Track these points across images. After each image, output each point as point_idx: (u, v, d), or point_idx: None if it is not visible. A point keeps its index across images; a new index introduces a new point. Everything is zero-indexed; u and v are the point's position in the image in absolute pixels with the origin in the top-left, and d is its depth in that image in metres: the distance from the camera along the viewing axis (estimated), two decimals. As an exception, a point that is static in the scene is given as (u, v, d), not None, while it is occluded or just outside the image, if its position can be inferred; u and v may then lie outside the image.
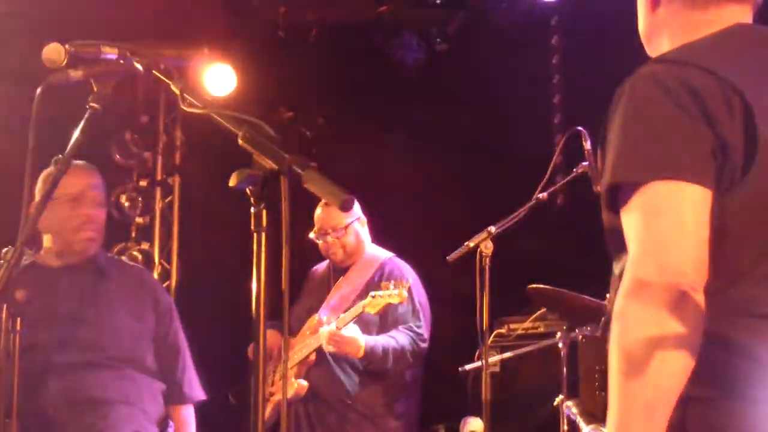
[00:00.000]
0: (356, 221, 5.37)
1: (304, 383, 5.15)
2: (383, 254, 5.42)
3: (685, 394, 1.96)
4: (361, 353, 5.01)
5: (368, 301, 4.99)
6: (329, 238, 5.32)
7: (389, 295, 4.96)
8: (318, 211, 5.33)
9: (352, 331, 5.02)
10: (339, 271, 5.43)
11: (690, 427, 1.99)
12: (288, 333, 5.39)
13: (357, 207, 5.39)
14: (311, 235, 5.40)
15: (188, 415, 4.30)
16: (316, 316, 5.25)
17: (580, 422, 4.50)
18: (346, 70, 7.62)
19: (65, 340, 3.89)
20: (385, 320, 5.20)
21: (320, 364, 5.18)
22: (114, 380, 3.95)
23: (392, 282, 5.01)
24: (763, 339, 1.98)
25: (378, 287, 5.08)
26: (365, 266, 5.38)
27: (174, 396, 4.24)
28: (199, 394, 4.32)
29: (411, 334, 5.12)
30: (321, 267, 5.64)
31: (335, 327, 4.99)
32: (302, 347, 5.18)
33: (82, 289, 4.05)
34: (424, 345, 5.20)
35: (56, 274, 4.04)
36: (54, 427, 3.78)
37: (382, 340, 5.06)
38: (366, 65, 7.67)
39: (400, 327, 5.14)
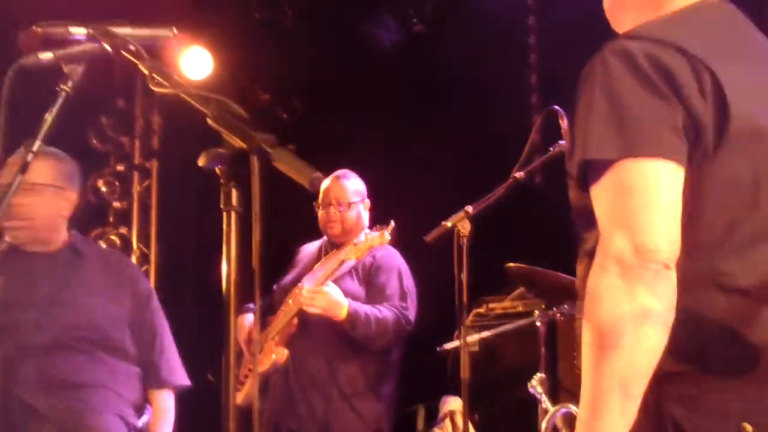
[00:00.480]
0: (361, 202, 5.38)
1: (284, 351, 5.12)
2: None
3: (659, 369, 1.97)
4: (343, 314, 4.95)
5: (349, 248, 4.98)
6: (332, 209, 5.30)
7: (372, 237, 4.96)
8: (327, 181, 5.31)
9: (332, 289, 5.00)
10: (331, 248, 5.41)
11: (664, 403, 2.00)
12: (274, 309, 5.39)
13: (364, 189, 5.44)
14: (315, 203, 5.39)
15: (167, 400, 4.27)
16: (299, 286, 5.23)
17: (546, 401, 4.50)
18: (323, 51, 7.59)
19: (40, 323, 3.87)
20: (373, 299, 5.17)
21: (304, 334, 5.15)
22: (87, 363, 3.92)
23: (375, 227, 5.01)
24: (732, 313, 1.99)
25: (366, 269, 5.09)
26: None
27: (152, 380, 4.22)
28: (180, 379, 4.29)
29: (397, 311, 5.11)
30: (312, 245, 5.62)
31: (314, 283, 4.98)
32: (283, 315, 5.16)
33: (57, 272, 4.02)
34: (409, 327, 5.19)
35: (32, 257, 4.01)
36: (30, 410, 3.76)
37: (365, 307, 5.04)
38: (342, 46, 7.65)
39: (386, 304, 5.13)
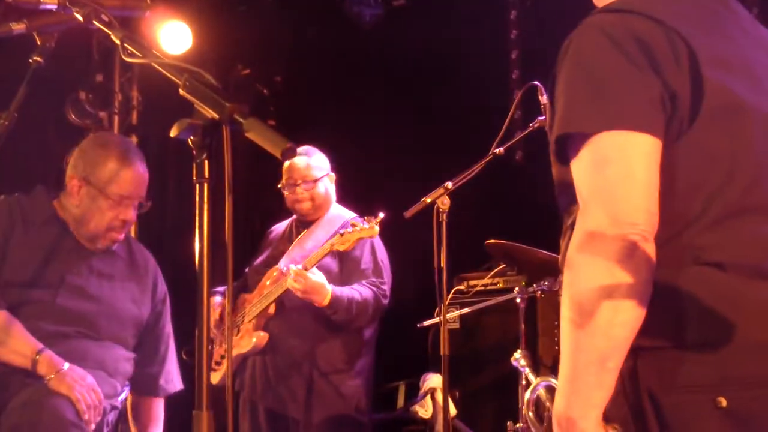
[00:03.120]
0: (326, 176, 5.34)
1: (263, 334, 5.10)
2: (347, 213, 5.38)
3: (635, 343, 1.97)
4: (327, 300, 4.93)
5: (337, 239, 4.94)
6: (298, 189, 5.26)
7: (360, 229, 4.92)
8: (287, 162, 5.27)
9: (319, 276, 4.96)
10: (301, 226, 5.38)
11: (641, 377, 2.00)
12: (246, 289, 5.37)
13: (327, 163, 5.39)
14: (279, 185, 5.35)
15: (158, 409, 4.30)
16: (276, 268, 5.20)
17: (529, 374, 4.50)
18: (303, 26, 7.57)
19: (59, 309, 3.89)
20: (348, 274, 5.17)
21: (281, 315, 5.13)
22: (88, 347, 3.93)
23: (364, 217, 4.99)
24: (709, 287, 1.98)
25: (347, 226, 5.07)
26: (329, 223, 5.33)
27: (146, 389, 4.25)
28: (175, 386, 4.32)
29: (374, 288, 5.09)
30: (281, 225, 5.60)
31: (302, 267, 4.95)
32: (262, 298, 5.14)
33: (91, 264, 4.04)
34: (386, 301, 5.17)
35: (74, 242, 4.03)
36: (15, 383, 3.77)
37: (347, 291, 5.01)
38: (323, 22, 7.62)
39: (363, 282, 5.11)
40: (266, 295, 5.12)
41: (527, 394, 4.16)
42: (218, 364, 5.24)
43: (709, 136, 2.01)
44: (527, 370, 4.52)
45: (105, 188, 3.94)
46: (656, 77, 1.98)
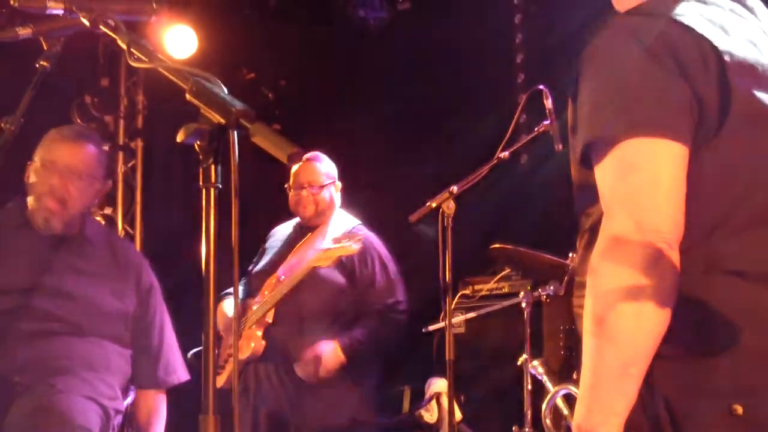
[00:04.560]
0: (333, 184, 5.35)
1: (261, 342, 5.07)
2: (351, 221, 5.38)
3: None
4: (342, 357, 5.00)
5: (317, 256, 4.94)
6: (304, 192, 5.27)
7: (341, 247, 4.91)
8: (296, 165, 5.24)
9: (322, 349, 4.99)
10: (304, 230, 5.38)
11: (657, 383, 1.99)
12: (250, 293, 5.36)
13: (335, 171, 5.39)
14: (286, 185, 5.36)
15: (159, 402, 4.24)
16: (275, 275, 5.21)
17: (547, 382, 4.50)
18: (308, 30, 7.56)
19: (41, 311, 3.87)
20: (361, 292, 5.16)
21: (282, 322, 5.12)
22: (78, 345, 3.91)
23: (347, 236, 4.99)
24: (729, 295, 1.97)
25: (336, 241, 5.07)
26: (333, 229, 5.32)
27: (146, 380, 4.20)
28: (178, 377, 4.27)
29: (383, 315, 5.13)
30: (285, 226, 5.59)
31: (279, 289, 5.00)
32: (261, 305, 5.12)
33: (65, 259, 4.01)
34: (402, 316, 5.20)
35: (42, 239, 4.00)
36: (14, 386, 3.75)
37: (356, 335, 5.07)
38: (328, 25, 7.62)
39: (372, 310, 5.15)
40: (264, 302, 5.11)
41: (545, 403, 4.15)
42: (222, 367, 5.21)
43: (735, 144, 1.99)
44: (545, 378, 4.51)
45: (36, 157, 3.95)
46: (685, 83, 1.96)
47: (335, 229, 5.27)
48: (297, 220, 5.47)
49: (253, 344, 5.08)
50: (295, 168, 5.28)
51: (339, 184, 5.39)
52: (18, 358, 3.77)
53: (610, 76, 2.02)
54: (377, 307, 5.17)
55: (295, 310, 5.10)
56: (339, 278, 5.15)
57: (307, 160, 5.29)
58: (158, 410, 4.22)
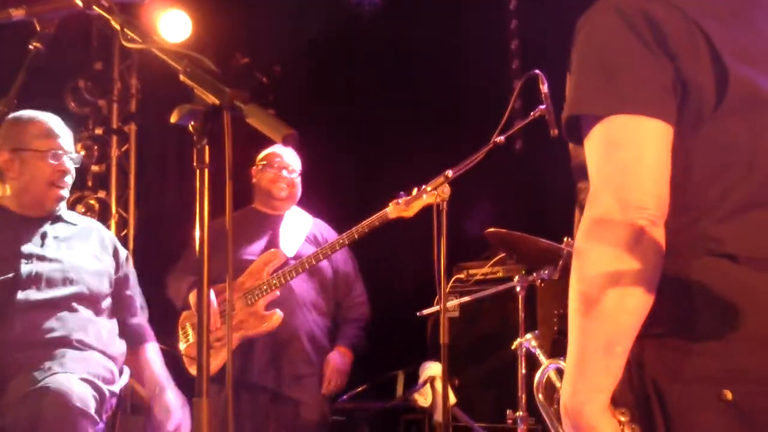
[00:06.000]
0: (300, 175, 5.48)
1: (279, 314, 5.08)
2: (308, 215, 5.57)
3: (643, 331, 1.96)
4: (351, 359, 5.34)
5: (392, 207, 4.85)
6: (284, 172, 5.35)
7: (426, 195, 4.75)
8: (278, 147, 5.39)
9: (337, 362, 5.27)
10: (266, 217, 5.46)
11: (647, 366, 1.99)
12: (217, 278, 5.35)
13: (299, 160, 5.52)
14: (254, 167, 5.47)
15: (154, 351, 4.39)
16: (274, 252, 5.22)
17: (540, 355, 4.50)
18: (302, 15, 7.54)
19: (29, 279, 3.94)
20: (336, 278, 5.42)
21: (284, 303, 5.15)
22: (73, 320, 3.98)
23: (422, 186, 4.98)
24: (721, 278, 1.96)
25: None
26: (300, 219, 5.50)
27: (135, 336, 4.34)
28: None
29: (358, 322, 5.45)
30: (234, 214, 5.58)
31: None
32: (263, 283, 5.12)
33: (44, 231, 4.13)
34: (367, 308, 5.54)
35: (18, 218, 4.12)
36: (14, 362, 3.79)
37: (351, 336, 5.42)
38: (322, 10, 7.60)
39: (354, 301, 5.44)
40: (268, 281, 5.10)
41: (537, 377, 4.15)
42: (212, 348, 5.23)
43: (730, 127, 1.99)
44: (538, 351, 4.52)
45: (33, 146, 4.06)
46: (669, 62, 1.96)
47: (302, 217, 5.40)
48: (248, 207, 5.55)
49: (275, 318, 5.06)
50: (274, 149, 5.38)
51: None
52: (15, 329, 3.83)
53: (595, 52, 2.03)
54: (354, 297, 5.51)
55: (288, 294, 5.15)
56: (328, 271, 5.35)
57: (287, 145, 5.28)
58: (154, 357, 4.37)
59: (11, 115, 4.11)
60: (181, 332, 5.29)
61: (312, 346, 5.26)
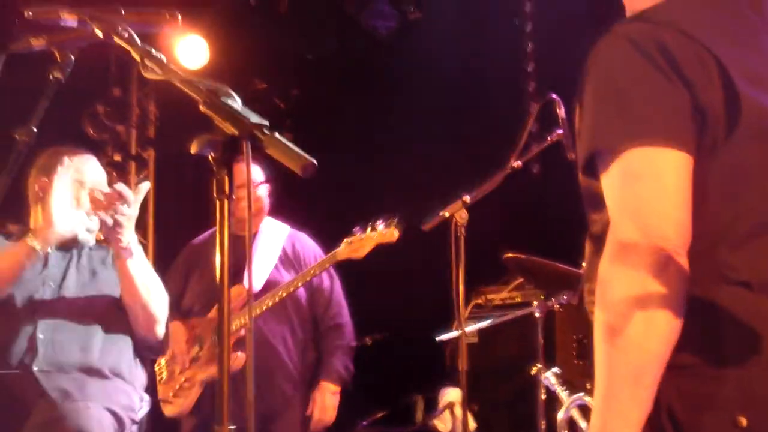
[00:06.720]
0: (263, 184, 5.17)
1: (240, 354, 4.81)
2: (285, 226, 5.34)
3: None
4: (339, 391, 5.14)
5: (344, 247, 4.85)
6: (243, 192, 5.13)
7: (382, 233, 4.86)
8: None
9: (326, 400, 5.09)
10: (235, 238, 5.24)
11: (661, 393, 1.96)
12: (191, 312, 5.24)
13: (261, 173, 5.22)
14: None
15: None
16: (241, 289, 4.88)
17: (560, 393, 4.48)
18: (319, 39, 7.57)
19: (61, 304, 3.97)
20: (311, 295, 5.21)
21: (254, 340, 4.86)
22: (102, 345, 4.00)
23: (377, 222, 4.93)
24: (735, 306, 1.95)
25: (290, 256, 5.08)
26: (272, 236, 5.23)
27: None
28: None
29: (341, 351, 5.23)
30: (203, 238, 5.50)
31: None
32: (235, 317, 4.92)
33: (68, 261, 4.12)
34: (349, 331, 5.32)
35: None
36: (38, 386, 3.78)
37: (338, 366, 5.18)
38: (339, 34, 7.63)
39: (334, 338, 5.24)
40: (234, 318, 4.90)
41: (559, 414, 4.12)
42: (176, 396, 5.08)
43: (743, 153, 1.98)
44: (558, 389, 4.49)
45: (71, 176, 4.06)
46: (686, 90, 1.94)
47: (275, 232, 5.21)
48: (214, 230, 5.39)
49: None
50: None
51: (267, 185, 5.24)
52: (38, 352, 3.84)
53: (610, 83, 2.01)
54: (332, 315, 5.26)
55: (257, 332, 5.02)
56: (302, 294, 5.18)
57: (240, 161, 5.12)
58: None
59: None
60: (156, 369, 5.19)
61: (286, 379, 5.11)
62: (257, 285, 4.95)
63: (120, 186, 3.91)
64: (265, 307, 4.94)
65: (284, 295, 4.96)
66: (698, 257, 1.95)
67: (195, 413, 5.00)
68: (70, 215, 4.00)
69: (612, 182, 1.98)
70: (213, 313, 5.03)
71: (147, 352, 4.23)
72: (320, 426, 5.09)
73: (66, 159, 4.07)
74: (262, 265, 5.06)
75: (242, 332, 4.90)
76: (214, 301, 4.85)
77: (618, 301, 1.92)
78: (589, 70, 2.06)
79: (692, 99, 1.95)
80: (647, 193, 1.92)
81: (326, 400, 5.07)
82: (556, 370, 4.71)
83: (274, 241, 5.20)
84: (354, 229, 4.96)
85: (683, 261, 1.92)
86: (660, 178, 1.93)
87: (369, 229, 4.93)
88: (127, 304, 3.98)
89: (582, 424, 3.99)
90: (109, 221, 3.89)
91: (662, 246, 1.90)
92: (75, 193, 4.01)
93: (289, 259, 5.20)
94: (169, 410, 4.96)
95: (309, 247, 5.26)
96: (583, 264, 2.22)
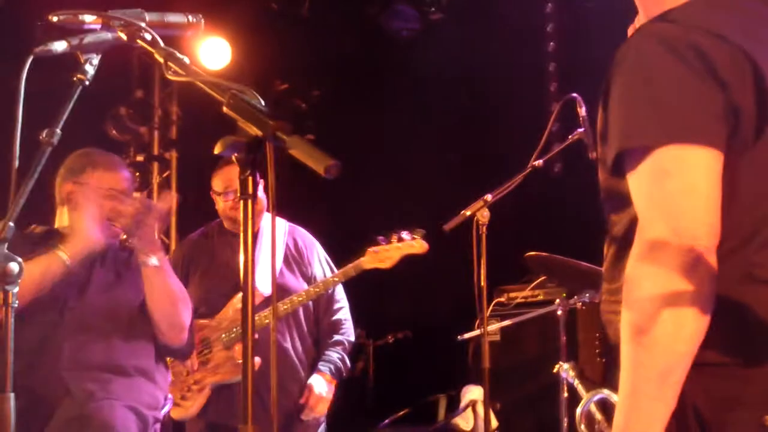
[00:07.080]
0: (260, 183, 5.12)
1: (257, 359, 4.87)
2: (284, 222, 5.29)
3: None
4: (333, 384, 5.03)
5: (369, 257, 4.83)
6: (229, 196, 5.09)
7: (410, 245, 4.82)
8: (225, 169, 5.11)
9: (319, 389, 4.97)
10: (232, 236, 5.21)
11: (686, 392, 1.95)
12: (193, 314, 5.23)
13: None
14: (214, 192, 5.24)
15: None
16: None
17: (578, 386, 4.47)
18: (340, 41, 7.59)
19: (83, 306, 3.95)
20: (317, 300, 5.12)
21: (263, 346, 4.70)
22: (125, 346, 3.99)
23: (401, 232, 4.91)
24: (761, 305, 1.95)
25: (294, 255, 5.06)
26: (270, 232, 5.00)
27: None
28: None
29: (340, 347, 5.13)
30: (199, 232, 5.47)
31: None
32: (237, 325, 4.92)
33: (93, 262, 4.09)
34: (349, 329, 5.22)
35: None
36: (63, 387, 3.80)
37: (334, 361, 5.06)
38: (360, 36, 7.65)
39: (337, 324, 5.15)
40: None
41: (578, 409, 4.11)
42: (184, 398, 5.00)
43: None
44: (576, 382, 4.49)
45: (100, 184, 4.04)
46: (719, 90, 1.93)
47: (271, 235, 5.02)
48: (212, 227, 5.38)
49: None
50: (220, 170, 5.17)
51: (261, 182, 5.14)
52: (63, 353, 3.83)
53: (642, 82, 1.99)
54: (334, 311, 5.18)
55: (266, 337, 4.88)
56: (294, 280, 5.11)
57: (225, 163, 5.12)
58: None
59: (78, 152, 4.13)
60: None
61: (296, 382, 5.02)
62: (267, 288, 4.90)
63: (144, 198, 3.91)
64: (283, 313, 4.93)
65: (304, 300, 4.97)
66: (726, 256, 1.94)
67: (202, 416, 4.97)
68: (98, 228, 3.99)
69: (641, 181, 1.97)
70: (220, 315, 5.00)
71: (170, 355, 4.24)
72: (311, 415, 4.97)
73: (96, 162, 4.08)
74: (269, 265, 4.96)
75: (256, 335, 4.83)
76: (222, 303, 5.00)
77: (646, 300, 1.91)
78: (617, 71, 2.04)
79: (726, 100, 1.93)
80: (678, 191, 1.91)
81: (321, 389, 4.96)
82: (572, 363, 4.70)
83: (277, 240, 5.17)
84: (378, 238, 4.94)
85: (713, 261, 1.91)
86: (691, 177, 1.92)
87: (395, 239, 4.91)
88: (150, 311, 3.99)
89: (599, 418, 3.98)
90: (133, 232, 3.90)
91: (693, 246, 1.89)
92: (103, 201, 4.00)
93: (293, 257, 5.17)
94: (176, 413, 4.93)
95: (310, 243, 5.23)
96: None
